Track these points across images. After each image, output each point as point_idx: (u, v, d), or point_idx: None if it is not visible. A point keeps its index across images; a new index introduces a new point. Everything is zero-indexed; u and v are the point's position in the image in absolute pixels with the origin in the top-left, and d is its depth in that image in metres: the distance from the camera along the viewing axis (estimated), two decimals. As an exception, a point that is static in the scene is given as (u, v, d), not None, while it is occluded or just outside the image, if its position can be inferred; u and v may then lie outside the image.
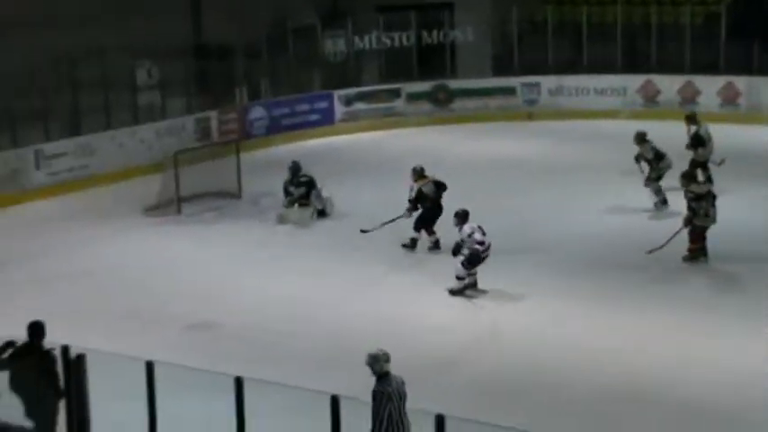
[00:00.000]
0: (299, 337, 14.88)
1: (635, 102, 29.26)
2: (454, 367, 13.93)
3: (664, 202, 20.27)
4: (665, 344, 14.32)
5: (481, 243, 16.18)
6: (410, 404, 9.98)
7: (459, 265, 16.19)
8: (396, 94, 29.49)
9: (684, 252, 17.25)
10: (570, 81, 29.63)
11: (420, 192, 18.50)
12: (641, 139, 20.77)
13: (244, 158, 22.77)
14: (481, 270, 16.34)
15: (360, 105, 29.05)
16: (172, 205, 21.27)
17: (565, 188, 22.21)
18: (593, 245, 18.51)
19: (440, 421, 8.34)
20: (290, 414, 11.05)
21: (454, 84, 29.86)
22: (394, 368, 13.56)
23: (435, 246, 18.36)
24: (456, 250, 16.31)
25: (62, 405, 10.66)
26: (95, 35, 23.81)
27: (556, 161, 24.85)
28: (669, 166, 20.32)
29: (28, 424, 10.86)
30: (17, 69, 22.83)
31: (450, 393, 12.85)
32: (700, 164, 21.03)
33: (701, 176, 19.97)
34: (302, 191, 20.66)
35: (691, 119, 21.99)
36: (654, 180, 20.40)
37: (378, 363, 10.06)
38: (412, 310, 15.84)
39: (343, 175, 23.21)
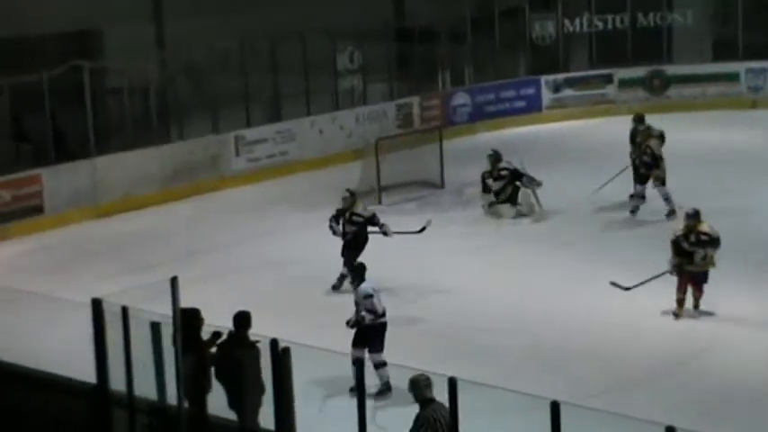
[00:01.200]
0: (507, 334, 14.19)
1: None
2: (670, 374, 12.91)
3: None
4: None
5: (375, 313, 12.45)
6: (626, 411, 8.96)
7: (380, 353, 12.44)
8: (607, 79, 28.28)
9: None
10: (801, 65, 27.84)
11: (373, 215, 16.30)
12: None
13: (446, 146, 22.21)
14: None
15: (568, 92, 28.02)
16: (372, 194, 20.80)
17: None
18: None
19: (670, 434, 7.35)
20: (502, 417, 10.56)
21: (671, 69, 28.40)
22: (606, 372, 12.75)
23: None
24: (357, 322, 12.50)
25: (264, 399, 10.24)
26: (297, 18, 23.53)
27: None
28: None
29: (231, 416, 10.50)
30: (218, 54, 22.80)
31: (666, 402, 11.90)
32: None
33: None
34: (500, 184, 19.56)
35: (640, 119, 20.25)
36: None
37: (417, 389, 9.22)
38: (625, 311, 14.69)
39: (551, 165, 22.26)
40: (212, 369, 10.69)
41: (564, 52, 28.68)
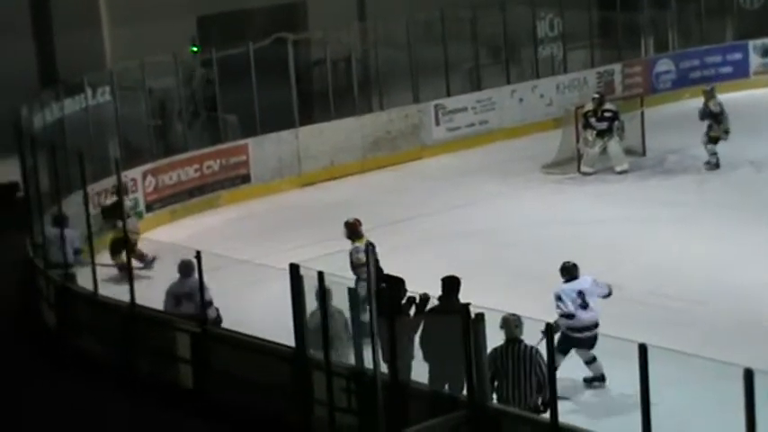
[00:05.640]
0: (705, 304, 13.88)
1: None
2: None
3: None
4: None
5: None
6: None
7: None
8: (821, 43, 27.19)
9: None
10: None
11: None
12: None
13: (648, 114, 21.80)
14: None
15: (778, 56, 27.09)
16: (572, 163, 20.65)
17: None
18: None
19: None
20: (695, 385, 10.63)
21: None
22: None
23: None
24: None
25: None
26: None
27: None
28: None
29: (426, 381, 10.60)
30: (418, 24, 22.93)
31: None
32: None
33: None
34: (605, 125, 20.16)
35: None
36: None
37: (508, 327, 10.05)
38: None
39: (760, 132, 21.65)
40: (416, 336, 10.73)
41: (772, 15, 27.81)
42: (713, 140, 19.95)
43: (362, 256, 12.77)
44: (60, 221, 14.74)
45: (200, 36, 23.47)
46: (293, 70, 21.35)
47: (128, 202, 17.10)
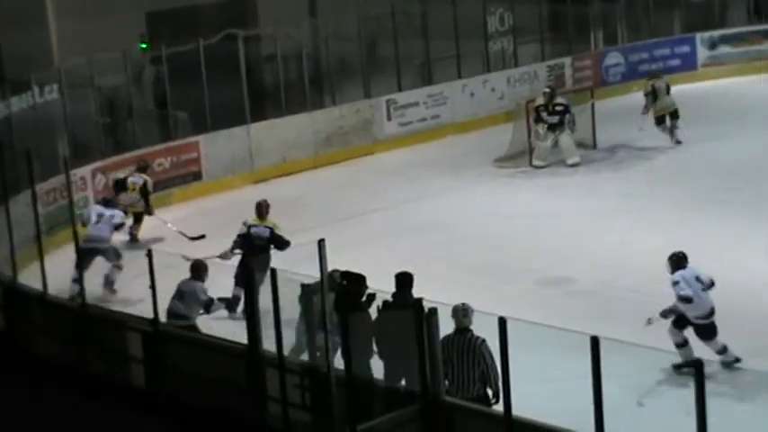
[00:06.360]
0: (658, 295, 13.77)
1: None
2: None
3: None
4: None
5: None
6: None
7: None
8: (766, 35, 27.29)
9: None
10: None
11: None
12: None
13: (599, 107, 21.89)
14: None
15: (725, 49, 27.20)
16: (523, 156, 20.73)
17: None
18: None
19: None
20: (646, 375, 10.78)
21: (832, 24, 27.35)
22: (753, 336, 12.34)
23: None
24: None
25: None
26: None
27: None
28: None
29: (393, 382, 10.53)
30: (369, 19, 22.93)
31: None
32: None
33: None
34: (556, 119, 20.37)
35: None
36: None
37: (456, 317, 10.12)
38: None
39: (706, 124, 21.86)
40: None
41: (720, 8, 27.94)
42: (659, 121, 20.81)
43: (242, 228, 14.57)
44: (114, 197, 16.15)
45: (149, 32, 23.28)
46: (244, 66, 21.25)
47: (136, 179, 17.83)
